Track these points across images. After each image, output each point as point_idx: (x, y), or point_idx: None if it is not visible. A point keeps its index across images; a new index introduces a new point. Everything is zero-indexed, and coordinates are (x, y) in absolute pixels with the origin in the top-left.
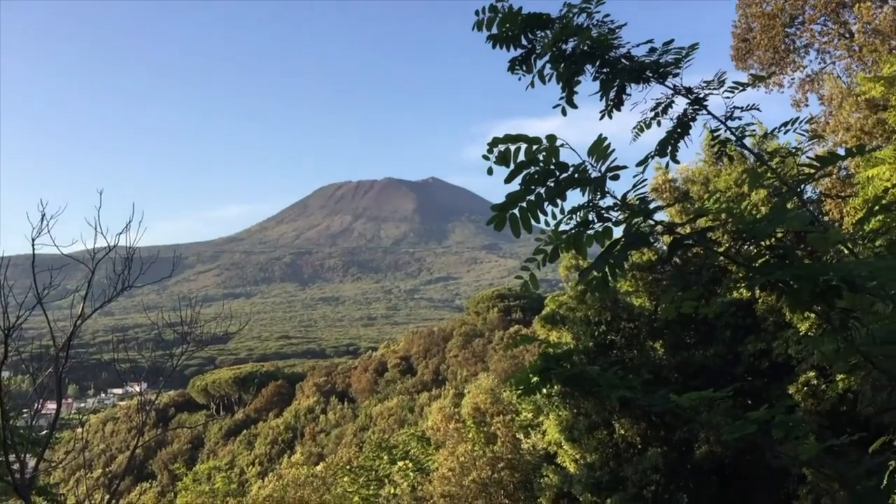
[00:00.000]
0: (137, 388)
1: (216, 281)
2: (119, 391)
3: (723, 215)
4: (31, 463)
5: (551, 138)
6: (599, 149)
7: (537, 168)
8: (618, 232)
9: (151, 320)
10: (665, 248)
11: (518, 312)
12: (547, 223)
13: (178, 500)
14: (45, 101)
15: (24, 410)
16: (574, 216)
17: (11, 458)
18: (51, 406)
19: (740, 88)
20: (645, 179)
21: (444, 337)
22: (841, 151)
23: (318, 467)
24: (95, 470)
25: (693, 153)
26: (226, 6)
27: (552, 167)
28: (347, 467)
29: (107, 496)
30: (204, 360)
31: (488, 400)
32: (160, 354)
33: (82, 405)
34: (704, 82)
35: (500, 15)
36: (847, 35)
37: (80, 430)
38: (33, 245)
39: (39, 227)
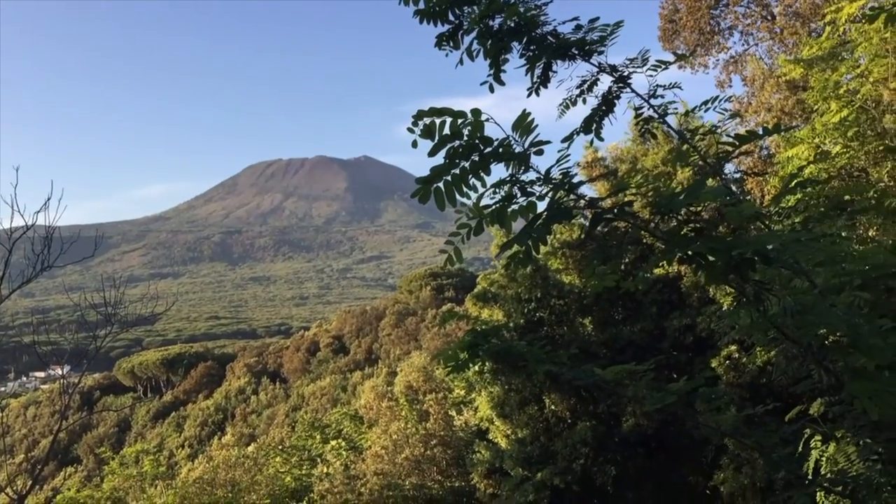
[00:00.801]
0: (60, 371)
1: (142, 261)
2: (41, 374)
3: (643, 189)
4: None
5: (476, 112)
6: (523, 124)
7: (462, 142)
8: (541, 207)
9: (74, 301)
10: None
11: (451, 291)
12: (470, 198)
13: (105, 485)
14: None
15: None
16: (498, 190)
17: None
18: None
19: (663, 67)
20: (569, 155)
21: (376, 316)
22: (760, 131)
23: (250, 448)
24: (17, 455)
25: (622, 132)
26: None
27: (476, 141)
28: (279, 448)
29: (29, 482)
30: (130, 341)
31: (421, 378)
32: (84, 336)
33: (1, 389)
34: (628, 60)
35: None
36: (769, 17)
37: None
38: None
39: None
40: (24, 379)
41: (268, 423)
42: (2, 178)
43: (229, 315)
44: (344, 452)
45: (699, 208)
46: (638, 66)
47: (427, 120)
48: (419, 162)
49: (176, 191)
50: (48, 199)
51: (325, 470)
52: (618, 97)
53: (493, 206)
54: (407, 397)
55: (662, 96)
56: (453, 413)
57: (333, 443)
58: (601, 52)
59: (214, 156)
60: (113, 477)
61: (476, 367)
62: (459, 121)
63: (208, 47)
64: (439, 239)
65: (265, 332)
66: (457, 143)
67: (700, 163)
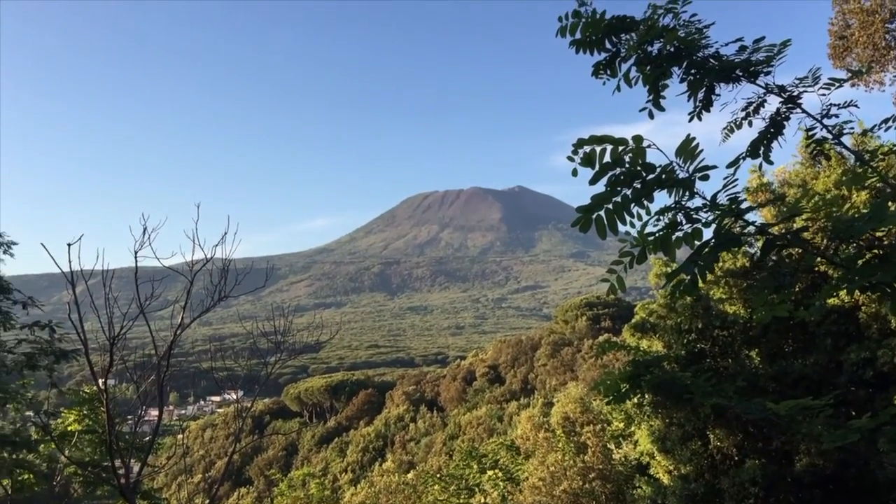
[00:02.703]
0: (234, 396)
1: (308, 291)
2: (217, 398)
3: (821, 215)
4: (136, 468)
5: (637, 139)
6: (687, 149)
7: (623, 169)
8: (707, 234)
9: (247, 329)
10: (759, 252)
11: (607, 321)
12: (633, 225)
13: None
14: (147, 126)
15: (129, 417)
16: (661, 218)
17: (117, 463)
18: (153, 413)
19: (837, 84)
20: (736, 180)
21: (532, 346)
22: None
23: (409, 475)
24: (196, 475)
25: (789, 155)
26: (311, 16)
27: (638, 168)
28: (437, 475)
29: (206, 500)
30: (297, 368)
31: (578, 409)
32: (255, 363)
33: (183, 412)
34: (798, 79)
35: (583, 20)
36: None
37: (180, 436)
38: (136, 258)
39: (141, 241)
40: (202, 402)
41: (426, 451)
42: (185, 214)
43: (388, 344)
44: (501, 483)
45: (881, 234)
46: (808, 85)
47: (587, 148)
48: (574, 191)
49: (338, 224)
50: (225, 234)
51: (482, 500)
52: (787, 118)
53: (658, 234)
54: (564, 428)
55: (837, 115)
56: (612, 446)
57: (490, 473)
58: (768, 73)
59: (373, 189)
60: (282, 499)
61: (635, 399)
62: (620, 148)
63: (366, 86)
64: (594, 268)
65: (422, 360)
66: (618, 170)
67: (878, 185)
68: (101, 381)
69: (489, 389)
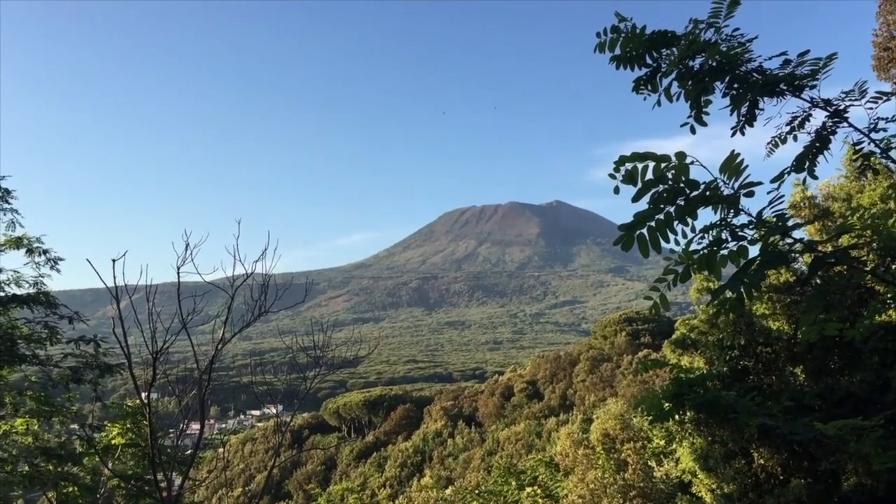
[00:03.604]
0: (274, 410)
1: (346, 306)
2: (257, 413)
3: (868, 232)
4: (178, 481)
5: (680, 155)
6: (732, 165)
7: (666, 186)
8: (753, 251)
9: (286, 344)
10: (804, 267)
11: (647, 336)
12: (676, 243)
13: None
14: (191, 145)
15: (171, 431)
16: (706, 235)
17: (159, 476)
18: (195, 427)
19: (885, 98)
20: (782, 196)
21: (570, 361)
22: None
23: (448, 491)
24: (236, 489)
25: (833, 168)
26: (349, 37)
27: (681, 185)
28: (476, 492)
29: None
30: (336, 383)
31: (618, 426)
32: (294, 377)
33: (223, 426)
34: (843, 93)
35: (623, 35)
36: None
37: (221, 450)
38: (178, 273)
39: (184, 257)
40: (242, 417)
41: (464, 467)
42: (226, 230)
43: (426, 359)
44: (540, 500)
45: None
46: (855, 99)
47: (629, 165)
48: (612, 205)
49: (376, 239)
50: (265, 250)
51: None
52: (833, 133)
53: (702, 251)
54: (604, 445)
55: (885, 129)
56: (653, 463)
57: (529, 489)
58: (813, 87)
59: (412, 204)
60: None
61: (677, 416)
62: (663, 165)
63: (404, 104)
64: (633, 283)
65: (460, 375)
66: (661, 187)
67: None
68: (143, 395)
69: (527, 405)
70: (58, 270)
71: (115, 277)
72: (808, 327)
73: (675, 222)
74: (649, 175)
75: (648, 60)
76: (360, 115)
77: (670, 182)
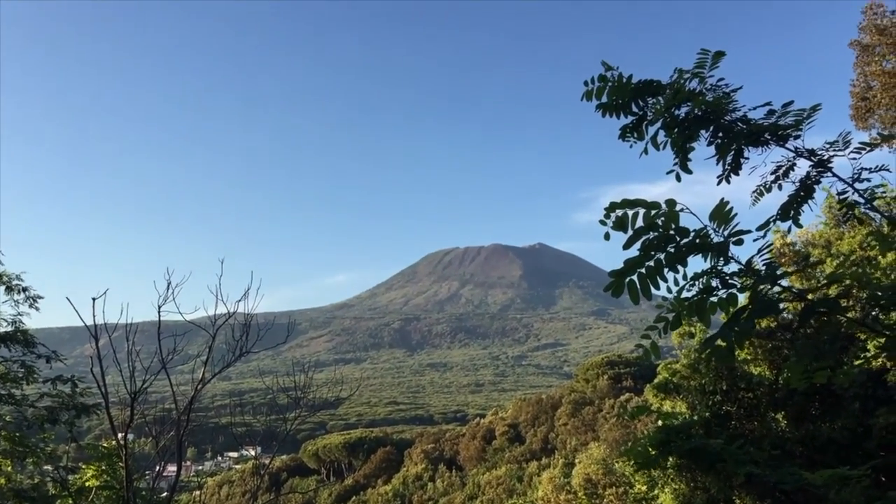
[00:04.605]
0: (252, 452)
1: (328, 346)
2: (235, 454)
3: (855, 282)
4: None
5: (671, 203)
6: (721, 213)
7: (656, 233)
8: (741, 298)
9: (266, 385)
10: (787, 314)
11: (629, 380)
12: (669, 290)
13: None
14: (174, 184)
15: (147, 473)
16: (696, 283)
17: None
18: (171, 469)
19: (867, 149)
20: (771, 244)
21: (552, 404)
22: None
23: None
24: None
25: (812, 215)
26: (326, 69)
27: (672, 232)
28: None
29: None
30: (315, 425)
31: (600, 471)
32: (274, 419)
33: (200, 468)
34: (827, 143)
35: (609, 84)
36: None
37: (198, 493)
38: (159, 312)
39: (165, 296)
40: (220, 458)
41: None
42: (209, 269)
43: (407, 401)
44: None
45: None
46: (839, 149)
47: (619, 212)
48: (594, 248)
49: (359, 279)
50: (248, 289)
51: None
52: (818, 182)
53: (693, 299)
54: (586, 490)
55: (868, 179)
56: None
57: None
58: (797, 137)
59: (395, 245)
60: None
61: (663, 464)
62: (653, 211)
63: (389, 143)
64: (615, 326)
65: (442, 418)
66: (651, 234)
67: None
68: (120, 436)
69: (509, 449)
70: (37, 308)
71: (94, 316)
72: (798, 375)
73: (666, 269)
74: (639, 222)
75: (634, 109)
76: (346, 158)
77: (660, 229)
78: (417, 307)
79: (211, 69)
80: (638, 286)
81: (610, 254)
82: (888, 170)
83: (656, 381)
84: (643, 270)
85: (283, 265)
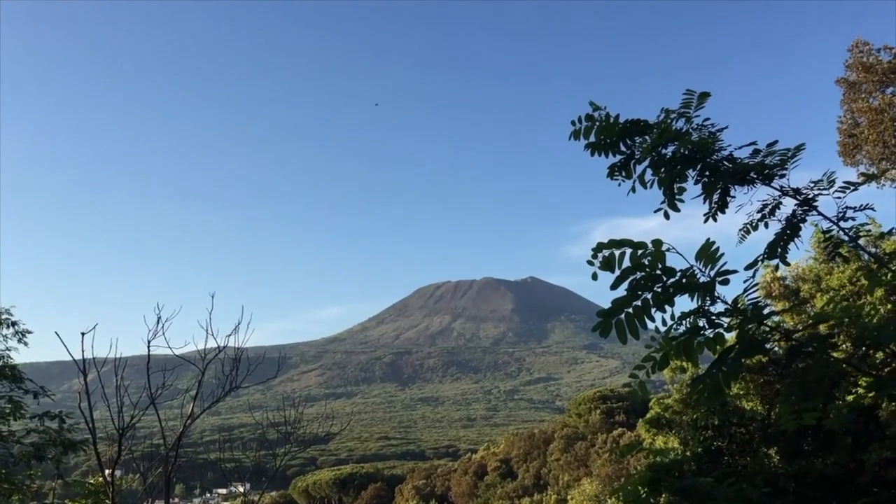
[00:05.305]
0: (241, 489)
1: (318, 381)
2: (223, 491)
3: (844, 321)
4: None
5: (657, 243)
6: (707, 253)
7: (643, 273)
8: (729, 336)
9: (256, 420)
10: (778, 349)
11: (621, 415)
12: (657, 330)
13: None
14: (163, 218)
15: None
16: (683, 322)
17: None
18: None
19: (852, 188)
20: (756, 284)
21: (545, 439)
22: None
23: None
24: None
25: (802, 250)
26: (321, 111)
27: (658, 272)
28: None
29: None
30: (306, 460)
31: None
32: (264, 454)
33: None
34: (812, 182)
35: (597, 124)
36: None
37: None
38: (149, 347)
39: (155, 330)
40: (208, 495)
41: None
42: (200, 304)
43: (399, 435)
44: None
45: None
46: (824, 188)
47: (606, 252)
48: (586, 282)
49: (350, 312)
50: (238, 324)
51: None
52: (803, 220)
53: (680, 339)
54: None
55: (853, 218)
56: None
57: None
58: (782, 176)
59: (386, 279)
60: None
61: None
62: (640, 252)
63: (378, 176)
64: (608, 360)
65: (433, 453)
66: (638, 274)
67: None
68: (107, 472)
69: (501, 484)
70: (25, 343)
71: (83, 351)
72: (787, 416)
73: (653, 309)
74: (626, 262)
75: (622, 148)
76: (335, 191)
77: (647, 269)
78: (409, 341)
79: (195, 90)
80: (626, 326)
81: (602, 288)
82: (872, 208)
83: (648, 416)
84: (630, 310)
85: (274, 298)
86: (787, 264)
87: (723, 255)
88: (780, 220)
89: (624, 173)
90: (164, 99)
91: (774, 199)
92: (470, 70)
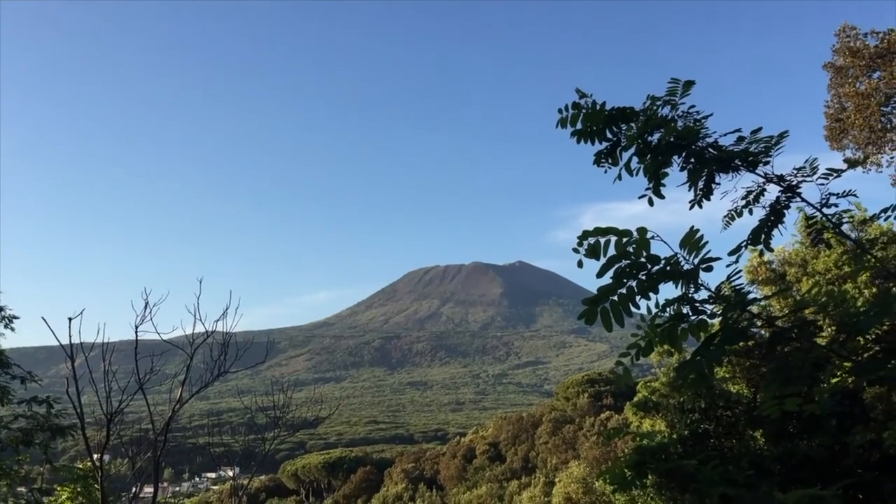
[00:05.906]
0: (230, 473)
1: (307, 365)
2: (213, 475)
3: (828, 307)
4: None
5: (642, 231)
6: (692, 241)
7: (628, 261)
8: (714, 322)
9: (245, 405)
10: (764, 333)
11: (609, 398)
12: (642, 318)
13: None
14: (152, 201)
15: (123, 494)
16: (668, 309)
17: None
18: (148, 490)
19: (835, 175)
20: (739, 271)
21: (533, 423)
22: None
23: None
24: None
25: (789, 234)
26: (312, 95)
27: (643, 260)
28: None
29: None
30: (294, 444)
31: (580, 490)
32: (252, 439)
33: (177, 489)
34: (796, 169)
35: (583, 111)
36: None
37: None
38: (136, 332)
39: (143, 315)
40: (198, 479)
41: None
42: (188, 289)
43: (387, 420)
44: None
45: (888, 326)
46: (807, 175)
47: (592, 240)
48: (574, 267)
49: (339, 297)
50: (226, 308)
51: None
52: (787, 207)
53: (664, 326)
54: None
55: (836, 205)
56: None
57: None
58: (767, 163)
59: (375, 263)
60: None
61: (640, 483)
62: (625, 239)
63: (367, 161)
64: (596, 344)
65: (422, 437)
66: (623, 262)
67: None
68: (96, 457)
69: (489, 467)
70: (12, 329)
71: (70, 336)
72: (769, 402)
73: (638, 296)
74: (612, 250)
75: (608, 135)
76: (324, 173)
77: (632, 257)
78: (398, 325)
79: (187, 78)
80: (611, 314)
81: (589, 273)
82: (855, 195)
83: (636, 399)
84: (616, 298)
85: (262, 283)
86: (771, 250)
87: (706, 242)
88: (764, 207)
89: (610, 160)
90: (154, 79)
91: (759, 186)
92: (459, 55)
